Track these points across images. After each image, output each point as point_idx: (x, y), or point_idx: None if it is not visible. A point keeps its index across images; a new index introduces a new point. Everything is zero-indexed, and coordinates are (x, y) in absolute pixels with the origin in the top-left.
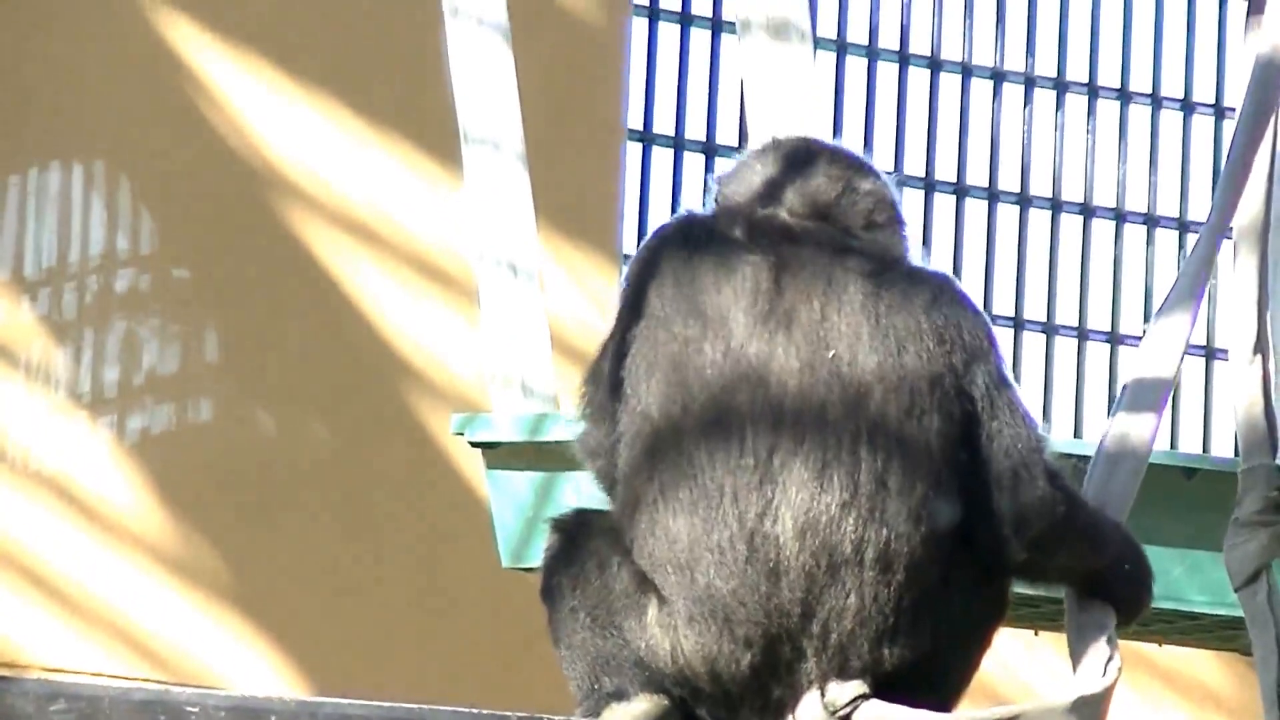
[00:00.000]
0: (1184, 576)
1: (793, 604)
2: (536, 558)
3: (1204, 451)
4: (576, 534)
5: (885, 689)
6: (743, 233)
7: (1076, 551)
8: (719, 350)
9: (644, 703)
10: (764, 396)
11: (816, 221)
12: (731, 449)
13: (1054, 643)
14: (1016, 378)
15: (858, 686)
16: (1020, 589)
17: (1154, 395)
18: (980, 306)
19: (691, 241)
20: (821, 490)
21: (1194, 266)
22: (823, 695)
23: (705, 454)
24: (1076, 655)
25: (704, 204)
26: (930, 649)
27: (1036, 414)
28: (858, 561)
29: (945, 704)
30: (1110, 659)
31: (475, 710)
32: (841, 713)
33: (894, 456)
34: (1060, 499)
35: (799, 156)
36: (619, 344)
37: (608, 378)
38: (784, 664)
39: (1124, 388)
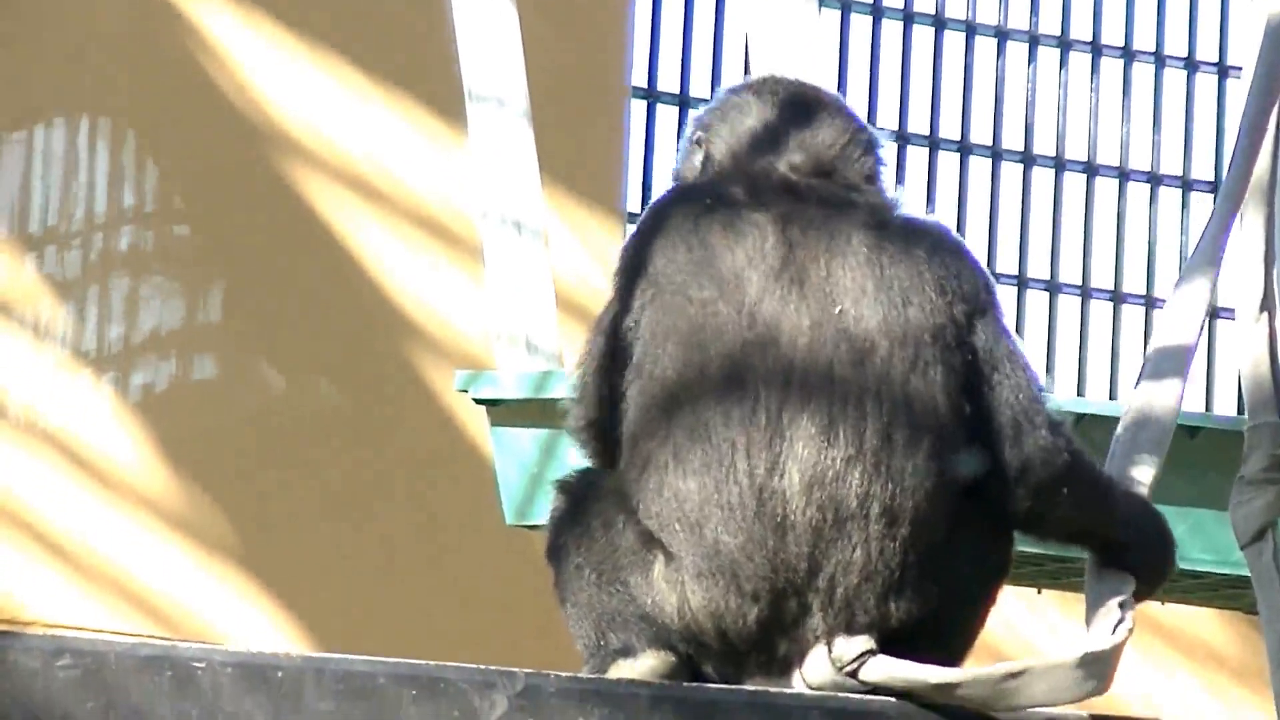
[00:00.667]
0: (1188, 535)
1: (799, 558)
2: (541, 515)
3: (1207, 410)
4: (582, 495)
5: (892, 645)
6: (745, 192)
7: (1081, 503)
8: (734, 309)
9: (651, 659)
10: (775, 355)
11: (819, 177)
12: (745, 408)
13: (1057, 601)
14: (1020, 336)
15: (865, 642)
16: (1025, 547)
17: (1177, 362)
18: (983, 261)
19: (697, 208)
20: (828, 445)
21: (1213, 231)
22: (829, 651)
23: (720, 415)
24: (1090, 619)
25: (681, 148)
26: (936, 605)
27: (1040, 371)
28: (864, 515)
29: (952, 661)
30: (1121, 620)
31: (481, 666)
32: (848, 668)
33: (900, 411)
34: (1063, 447)
35: (797, 105)
36: (621, 316)
37: (602, 354)
38: (790, 619)
39: (1147, 356)
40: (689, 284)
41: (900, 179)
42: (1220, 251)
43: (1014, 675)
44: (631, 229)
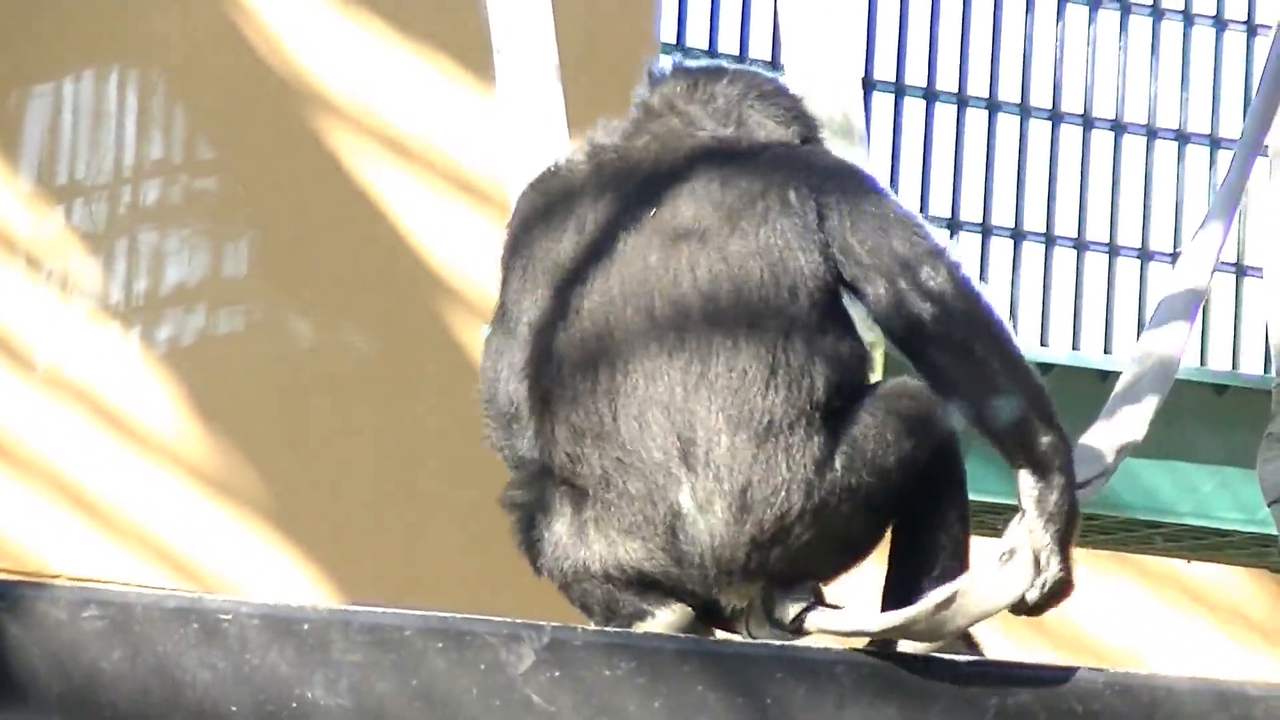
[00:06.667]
0: (1215, 493)
1: (713, 493)
2: None
3: (1234, 369)
4: (524, 502)
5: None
6: (585, 158)
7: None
8: (581, 258)
9: (670, 614)
10: (618, 278)
11: (670, 117)
12: (615, 363)
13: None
14: (1047, 292)
15: (804, 595)
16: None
17: (1185, 307)
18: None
19: (541, 183)
20: (669, 358)
21: (1230, 184)
22: (769, 614)
23: (582, 358)
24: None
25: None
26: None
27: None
28: (769, 431)
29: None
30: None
31: (511, 620)
32: (791, 626)
33: (721, 286)
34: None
35: (688, 77)
36: (506, 304)
37: (499, 349)
38: (721, 565)
39: (1159, 303)
40: (545, 249)
41: (960, 143)
42: (1235, 203)
43: (947, 602)
44: None
